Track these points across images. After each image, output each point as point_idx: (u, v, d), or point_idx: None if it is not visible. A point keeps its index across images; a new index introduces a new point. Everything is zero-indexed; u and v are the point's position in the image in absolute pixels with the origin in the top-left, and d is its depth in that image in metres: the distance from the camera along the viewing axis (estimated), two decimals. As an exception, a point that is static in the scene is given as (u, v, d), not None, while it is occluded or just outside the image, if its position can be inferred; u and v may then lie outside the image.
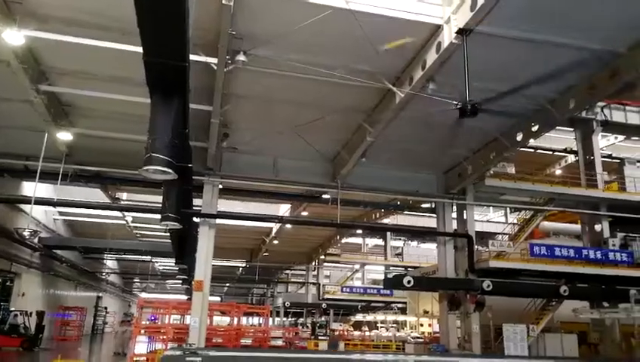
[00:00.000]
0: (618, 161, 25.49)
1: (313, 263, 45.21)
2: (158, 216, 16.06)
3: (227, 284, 62.30)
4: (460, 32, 10.98)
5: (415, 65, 13.10)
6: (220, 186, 19.97)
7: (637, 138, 28.23)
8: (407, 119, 15.42)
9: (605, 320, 21.24)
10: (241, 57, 12.48)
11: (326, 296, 42.15)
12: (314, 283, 44.56)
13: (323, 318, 37.30)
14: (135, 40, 8.01)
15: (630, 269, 21.59)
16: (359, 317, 43.40)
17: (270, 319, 40.20)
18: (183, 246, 23.53)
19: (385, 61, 13.13)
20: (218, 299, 65.26)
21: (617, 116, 23.01)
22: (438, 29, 11.78)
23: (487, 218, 42.78)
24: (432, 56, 12.20)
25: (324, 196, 22.56)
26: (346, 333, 36.82)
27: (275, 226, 33.43)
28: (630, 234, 23.25)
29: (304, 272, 48.41)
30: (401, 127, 16.27)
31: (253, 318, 53.05)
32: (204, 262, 18.74)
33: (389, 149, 18.70)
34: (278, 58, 12.89)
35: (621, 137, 28.01)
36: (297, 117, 16.50)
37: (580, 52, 12.60)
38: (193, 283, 18.96)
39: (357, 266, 49.72)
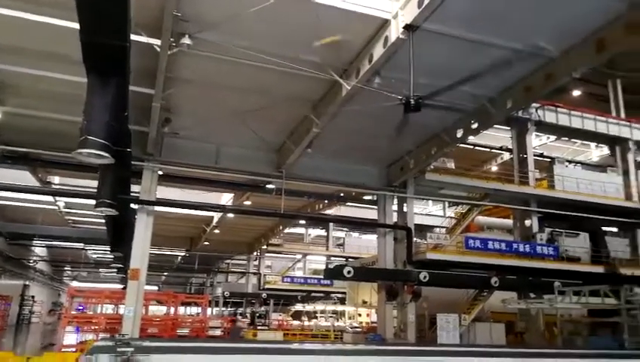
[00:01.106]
0: (549, 159, 26.97)
1: (255, 253, 44.97)
2: (93, 202, 15.36)
3: (165, 273, 60.92)
4: (407, 27, 11.13)
5: (362, 58, 13.17)
6: (160, 173, 19.37)
7: (566, 138, 30.02)
8: (354, 112, 15.52)
9: (531, 310, 22.49)
10: (186, 40, 12.07)
11: (267, 286, 42.04)
12: (255, 273, 44.36)
13: (263, 308, 37.20)
14: (72, 15, 7.54)
15: (555, 262, 22.93)
16: (299, 307, 43.62)
17: (209, 309, 39.74)
18: (119, 234, 22.67)
19: (333, 53, 13.14)
20: (155, 288, 63.61)
21: (549, 117, 24.31)
22: (385, 23, 11.89)
23: (426, 211, 44.10)
24: (379, 50, 12.32)
25: (268, 186, 22.40)
26: (285, 323, 36.94)
27: (216, 215, 32.88)
28: (556, 230, 24.68)
29: (245, 262, 48.07)
30: (347, 120, 16.37)
31: (192, 308, 52.11)
32: (141, 250, 18.14)
33: (335, 141, 18.79)
34: (226, 43, 12.58)
35: (552, 137, 29.70)
36: (243, 104, 16.23)
37: (518, 54, 13.14)
38: (129, 271, 18.32)
39: (299, 256, 49.88)
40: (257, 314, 32.02)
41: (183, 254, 47.48)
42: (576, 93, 27.54)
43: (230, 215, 30.92)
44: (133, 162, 16.46)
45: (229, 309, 48.41)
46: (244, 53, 12.73)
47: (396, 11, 11.49)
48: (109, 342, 9.14)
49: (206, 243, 39.69)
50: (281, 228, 37.41)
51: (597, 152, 33.15)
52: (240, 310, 46.30)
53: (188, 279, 64.82)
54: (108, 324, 20.70)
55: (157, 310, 32.91)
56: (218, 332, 27.49)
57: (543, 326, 22.92)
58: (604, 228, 26.36)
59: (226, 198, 30.40)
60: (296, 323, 38.54)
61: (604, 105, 27.34)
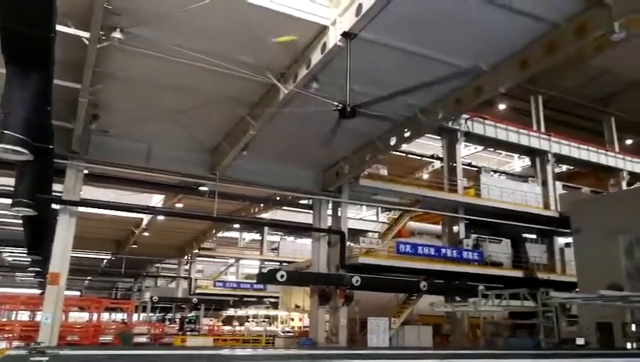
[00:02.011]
0: (476, 169, 28.27)
1: (186, 257, 43.78)
2: (9, 201, 14.32)
3: (89, 278, 57.80)
4: (345, 35, 11.28)
5: (300, 63, 13.21)
6: (86, 172, 18.39)
7: (492, 149, 31.60)
8: (291, 116, 15.49)
9: (457, 313, 23.41)
10: (118, 35, 11.59)
11: (198, 291, 41.11)
12: (185, 278, 43.18)
13: (193, 313, 36.25)
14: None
15: (480, 267, 24.03)
16: (231, 312, 42.94)
17: (136, 314, 38.20)
18: (38, 236, 21.27)
19: (271, 56, 13.07)
20: (77, 293, 60.23)
21: (477, 128, 25.47)
22: (324, 29, 11.99)
23: (360, 216, 44.86)
24: (317, 56, 12.40)
25: (202, 188, 21.89)
26: (216, 328, 36.20)
27: (146, 217, 31.69)
28: (481, 236, 25.90)
29: (176, 266, 46.72)
30: (284, 123, 16.32)
31: (117, 314, 49.89)
32: (62, 252, 17.11)
33: (272, 144, 18.67)
34: (161, 40, 12.19)
35: (480, 148, 31.15)
36: (177, 103, 15.76)
37: (451, 67, 13.66)
38: (48, 275, 17.22)
39: (232, 261, 49.13)
40: (187, 320, 31.12)
41: (108, 257, 45.34)
42: (502, 106, 29.14)
43: (161, 217, 29.92)
44: (56, 160, 15.57)
45: (158, 315, 46.87)
46: (179, 51, 12.38)
47: (335, 18, 11.62)
48: (23, 351, 8.54)
49: (134, 246, 38.13)
50: (214, 231, 36.72)
51: (520, 163, 35.17)
52: (169, 315, 44.94)
53: (114, 284, 62.01)
54: (23, 332, 19.35)
55: (79, 316, 31.27)
56: (145, 339, 26.46)
57: (468, 328, 23.91)
58: (524, 235, 27.97)
59: (157, 200, 29.38)
60: (227, 328, 37.85)
61: (527, 119, 29.05)
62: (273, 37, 12.19)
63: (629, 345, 11.93)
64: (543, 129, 28.48)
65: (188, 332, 28.66)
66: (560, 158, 28.76)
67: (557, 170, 29.89)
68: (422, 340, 23.27)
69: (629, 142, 33.29)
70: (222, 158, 18.86)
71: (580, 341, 15.91)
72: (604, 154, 29.80)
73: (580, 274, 13.30)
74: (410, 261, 22.56)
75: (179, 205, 27.24)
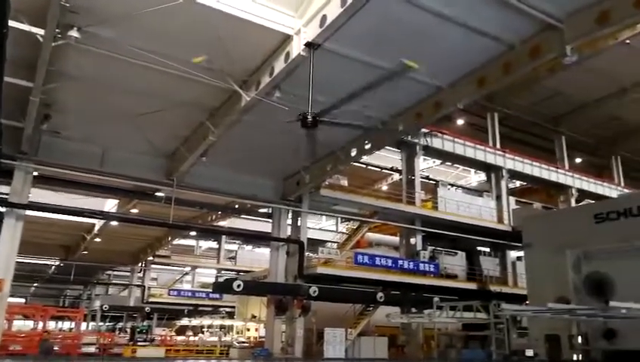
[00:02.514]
0: (434, 182, 28.81)
1: (140, 264, 42.56)
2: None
3: (35, 284, 55.30)
4: (309, 45, 11.31)
5: (263, 71, 13.14)
6: (35, 173, 17.63)
7: (450, 163, 32.31)
8: (252, 123, 15.39)
9: (412, 324, 23.64)
10: (74, 33, 11.22)
11: (151, 300, 39.98)
12: (138, 286, 41.93)
13: (145, 323, 35.17)
14: None
15: (436, 279, 24.38)
16: (185, 321, 41.90)
17: (84, 324, 36.76)
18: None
19: (234, 62, 12.93)
20: (22, 300, 57.44)
21: (436, 143, 25.98)
22: (288, 38, 11.98)
23: (320, 226, 44.86)
24: (280, 65, 12.37)
25: (158, 194, 21.38)
26: (169, 338, 35.22)
27: (98, 222, 30.64)
28: (438, 248, 26.34)
29: (128, 274, 45.31)
30: (245, 130, 16.18)
31: (65, 323, 47.85)
32: (7, 258, 16.27)
33: (232, 151, 18.45)
34: (120, 41, 11.89)
35: (438, 161, 31.80)
36: (135, 106, 15.36)
37: (411, 82, 13.91)
38: (-10, 282, 16.31)
39: (188, 269, 48.12)
40: (138, 329, 30.15)
41: (57, 264, 43.53)
42: (460, 122, 29.92)
43: (114, 223, 29.01)
44: (3, 160, 14.88)
45: (108, 324, 45.28)
46: (139, 53, 12.10)
47: (299, 28, 11.63)
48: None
49: (85, 252, 36.80)
50: (169, 238, 35.92)
51: (476, 178, 36.10)
52: (120, 325, 43.49)
53: (62, 291, 59.55)
54: (-41, 342, 18.19)
55: (23, 325, 29.79)
56: (92, 349, 25.44)
57: (422, 339, 24.17)
58: (478, 248, 28.64)
59: (111, 205, 28.48)
60: (181, 338, 36.88)
61: (483, 135, 29.90)
62: (238, 43, 12.10)
63: (575, 357, 12.37)
64: (498, 145, 29.34)
65: (139, 343, 27.73)
66: (514, 174, 29.67)
67: (511, 186, 30.83)
68: (377, 351, 23.34)
69: (578, 160, 34.79)
70: (180, 164, 18.49)
71: (529, 352, 16.34)
72: (555, 172, 30.96)
73: (530, 287, 13.68)
74: (367, 272, 22.65)
75: (134, 211, 26.47)
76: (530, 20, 11.14)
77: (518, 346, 19.17)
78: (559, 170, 31.25)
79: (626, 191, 30.86)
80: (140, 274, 43.11)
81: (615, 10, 10.23)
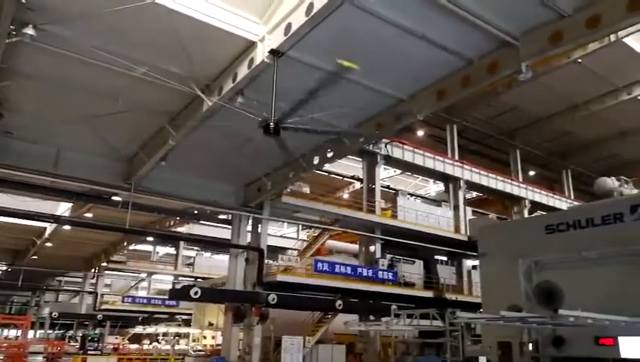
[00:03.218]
0: (394, 191, 29.23)
1: (93, 270, 41.19)
2: None
3: (-21, 290, 52.66)
4: (273, 52, 11.32)
5: (226, 76, 13.04)
6: (-17, 174, 16.87)
7: (410, 173, 32.89)
8: (214, 128, 15.22)
9: (370, 331, 23.81)
10: (30, 31, 10.84)
11: (104, 307, 38.73)
12: (91, 292, 40.55)
13: (97, 330, 34.03)
14: None
15: (394, 287, 24.67)
16: (139, 329, 40.80)
17: (32, 331, 35.25)
18: None
19: (196, 66, 12.78)
20: (-36, 307, 54.56)
21: (397, 153, 26.41)
22: (252, 45, 11.95)
23: (280, 233, 44.70)
24: (243, 71, 12.32)
25: (115, 198, 20.78)
26: (122, 347, 34.21)
27: (49, 226, 29.50)
28: (396, 256, 26.70)
29: (81, 280, 43.78)
30: (207, 135, 15.98)
31: (11, 331, 45.70)
32: (-51, 263, 15.47)
33: (192, 156, 18.18)
34: (78, 40, 11.57)
35: (398, 171, 32.32)
36: (92, 108, 14.96)
37: (373, 92, 14.10)
38: None
39: (143, 275, 46.91)
40: (89, 338, 29.14)
41: (4, 269, 41.60)
42: (420, 133, 30.54)
43: (67, 227, 27.98)
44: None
45: (57, 332, 43.60)
46: (98, 53, 11.79)
47: (263, 35, 11.63)
48: None
49: (34, 257, 35.33)
50: (125, 244, 34.97)
51: (434, 188, 36.88)
52: (70, 333, 41.97)
53: (9, 297, 56.87)
54: None
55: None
56: (40, 358, 24.42)
57: (380, 347, 24.38)
58: (436, 257, 29.19)
59: (64, 208, 27.49)
60: (134, 346, 35.87)
61: (442, 146, 30.62)
62: (200, 48, 11.98)
63: (525, 364, 12.76)
64: (456, 157, 30.09)
65: (90, 351, 26.80)
66: (471, 185, 30.46)
67: (468, 196, 31.63)
68: (335, 359, 23.38)
69: (531, 173, 36.08)
70: (138, 168, 18.08)
71: (483, 359, 16.72)
72: (510, 184, 31.98)
73: (484, 295, 13.99)
74: (327, 279, 22.70)
75: (88, 215, 25.63)
76: (488, 37, 11.51)
77: (472, 353, 19.60)
78: (513, 182, 32.31)
79: (575, 203, 32.21)
80: (93, 281, 41.72)
81: (567, 30, 10.70)
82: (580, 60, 23.48)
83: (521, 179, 33.17)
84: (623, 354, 9.89)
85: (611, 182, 14.97)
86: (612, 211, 10.96)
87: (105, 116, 15.05)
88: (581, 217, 11.52)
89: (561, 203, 33.60)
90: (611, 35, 20.65)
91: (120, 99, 14.48)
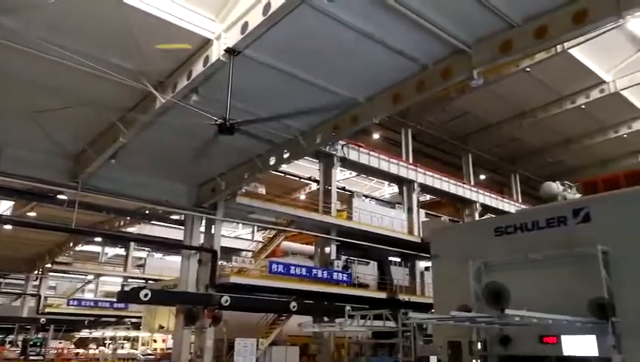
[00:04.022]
0: (349, 193, 29.45)
1: (36, 271, 39.34)
2: None
3: None
4: (229, 51, 11.15)
5: (181, 73, 12.75)
6: None
7: (365, 176, 33.24)
8: (167, 126, 14.83)
9: (324, 333, 23.86)
10: (-30, 20, 10.22)
11: (47, 310, 37.06)
12: (33, 295, 38.72)
13: (40, 335, 32.53)
14: None
15: (348, 288, 24.82)
16: (85, 333, 39.30)
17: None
18: None
19: (150, 62, 12.42)
20: None
21: (353, 155, 26.61)
22: (208, 42, 11.73)
23: (235, 234, 44.16)
24: (198, 68, 12.08)
25: (60, 196, 19.92)
26: (66, 352, 32.88)
27: (-11, 225, 27.96)
28: (351, 258, 26.88)
29: (23, 281, 41.73)
30: (159, 133, 15.57)
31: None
32: None
33: (144, 154, 17.67)
34: (24, 32, 10.98)
35: (354, 173, 32.60)
36: (39, 102, 14.24)
37: (330, 94, 14.14)
38: None
39: (91, 277, 45.25)
40: (31, 342, 27.82)
41: (-63, 270, 39.21)
42: (376, 136, 30.93)
43: (7, 226, 26.57)
44: None
45: (-4, 337, 41.40)
46: (45, 46, 11.25)
47: (219, 33, 11.43)
48: None
49: (-29, 258, 33.43)
50: (72, 244, 33.60)
51: (389, 190, 37.39)
52: (10, 337, 39.90)
53: (-58, 300, 53.65)
54: None
55: None
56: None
57: (334, 348, 24.46)
58: (390, 258, 29.58)
59: (5, 207, 26.12)
60: (80, 351, 34.54)
61: (397, 149, 31.10)
62: (153, 43, 11.64)
63: (474, 362, 13.13)
64: (411, 160, 30.63)
65: (31, 357, 25.58)
66: (424, 188, 31.04)
67: (421, 199, 32.26)
68: (288, 361, 23.29)
69: (482, 177, 37.22)
70: (86, 165, 17.40)
71: (434, 359, 17.07)
72: (462, 187, 32.85)
73: (435, 296, 14.30)
74: (282, 281, 22.57)
75: (31, 214, 24.45)
76: (442, 43, 11.76)
77: (423, 353, 19.97)
78: (465, 186, 33.21)
79: (523, 207, 33.45)
80: (36, 283, 39.87)
81: (517, 39, 11.09)
82: (528, 69, 24.42)
83: (472, 183, 34.13)
84: (565, 352, 10.33)
85: (556, 186, 15.64)
86: (556, 215, 11.45)
87: (51, 111, 14.37)
88: (528, 220, 11.96)
89: (510, 206, 34.81)
90: (558, 46, 21.59)
91: (69, 93, 13.89)
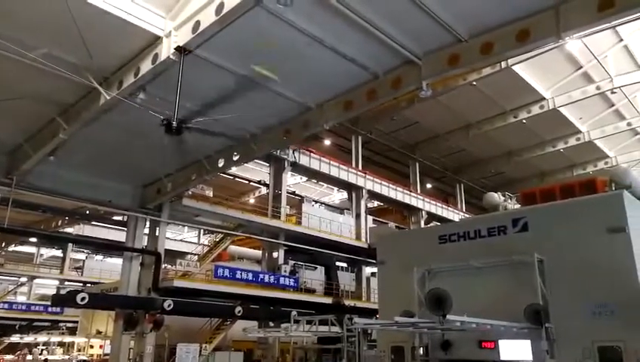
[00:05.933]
0: (299, 198, 29.43)
1: (-37, 273, 36.94)
2: None
3: None
4: (179, 49, 10.91)
5: (128, 70, 12.36)
6: None
7: (315, 181, 33.34)
8: (111, 123, 14.34)
9: (269, 338, 23.65)
10: None
11: (-26, 314, 34.78)
12: (-41, 298, 36.32)
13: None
14: None
15: (295, 293, 24.74)
16: (16, 338, 37.15)
17: None
18: None
19: (95, 57, 11.92)
20: None
21: (304, 160, 26.62)
22: (157, 40, 11.43)
23: (180, 237, 43.13)
24: (146, 66, 11.75)
25: (-7, 194, 18.76)
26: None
27: None
28: (299, 263, 26.82)
29: (-53, 283, 39.07)
30: (102, 130, 15.00)
31: None
32: None
33: (86, 151, 16.94)
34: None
35: (304, 178, 32.63)
36: (-31, 93, 13.39)
37: (282, 98, 14.10)
38: None
39: (24, 279, 42.88)
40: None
41: None
42: (327, 142, 31.09)
43: None
44: None
45: None
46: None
47: (170, 30, 11.17)
48: None
49: None
50: (3, 244, 31.73)
51: (338, 196, 37.65)
52: None
53: None
54: None
55: None
56: None
57: (278, 353, 24.28)
58: (337, 263, 29.74)
59: None
60: (9, 357, 32.59)
61: (347, 156, 31.39)
62: (99, 37, 11.21)
63: (415, 367, 13.39)
64: (360, 167, 30.99)
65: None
66: (373, 194, 31.45)
67: (369, 205, 32.67)
68: (232, 366, 22.91)
69: (429, 185, 38.17)
70: (22, 162, 16.49)
71: (377, 364, 17.27)
72: (409, 195, 33.52)
73: (380, 301, 14.50)
74: (227, 285, 22.22)
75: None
76: (394, 54, 11.99)
77: (367, 359, 20.15)
78: (412, 194, 33.91)
79: (466, 215, 34.54)
80: (-37, 285, 37.42)
81: (464, 53, 11.48)
82: (474, 83, 25.32)
83: (419, 191, 34.90)
84: (503, 357, 10.70)
85: (498, 197, 16.25)
86: (497, 224, 11.88)
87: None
88: (470, 229, 12.35)
89: (454, 215, 35.86)
90: (502, 62, 22.53)
91: (3, 85, 13.14)
